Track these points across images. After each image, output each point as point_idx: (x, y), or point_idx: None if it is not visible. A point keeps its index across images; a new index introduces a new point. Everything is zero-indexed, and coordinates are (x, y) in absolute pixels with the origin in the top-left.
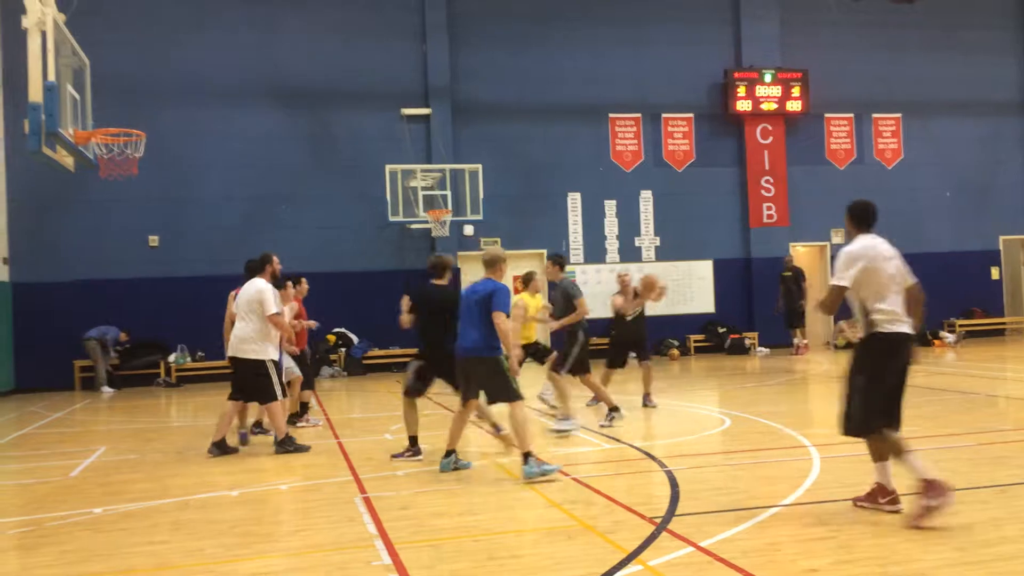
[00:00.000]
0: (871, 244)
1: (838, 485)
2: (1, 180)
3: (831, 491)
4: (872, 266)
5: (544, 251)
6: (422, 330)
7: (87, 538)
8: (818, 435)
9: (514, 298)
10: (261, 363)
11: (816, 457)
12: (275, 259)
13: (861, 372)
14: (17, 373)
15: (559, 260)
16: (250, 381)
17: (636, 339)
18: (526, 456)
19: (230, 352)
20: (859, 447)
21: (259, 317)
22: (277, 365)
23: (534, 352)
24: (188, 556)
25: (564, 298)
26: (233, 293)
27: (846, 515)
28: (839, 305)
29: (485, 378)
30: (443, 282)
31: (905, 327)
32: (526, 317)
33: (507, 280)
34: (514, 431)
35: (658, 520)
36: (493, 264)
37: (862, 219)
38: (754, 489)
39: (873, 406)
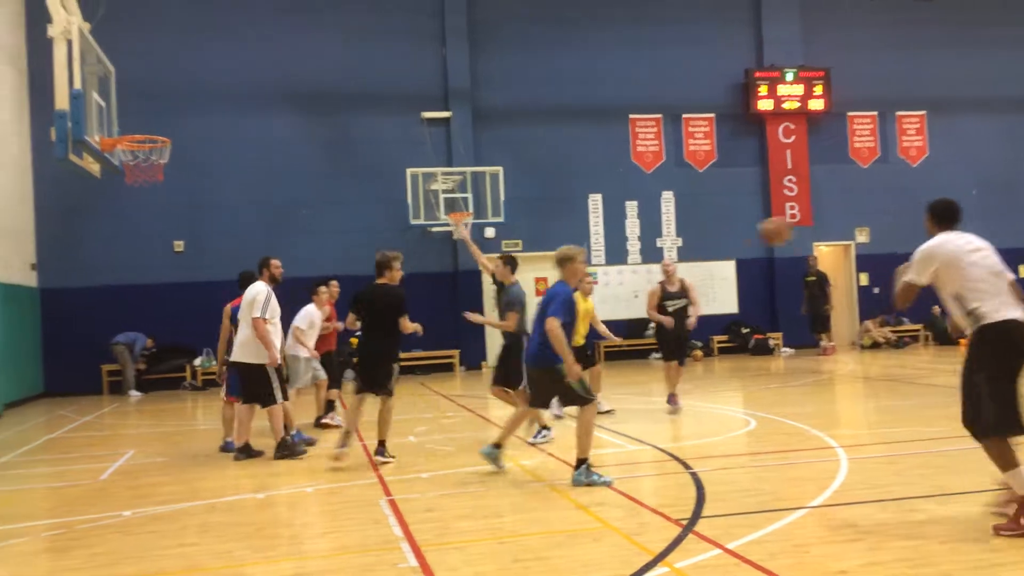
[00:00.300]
0: (947, 239)
1: (866, 486)
2: (29, 187)
3: (859, 492)
4: (951, 259)
5: None
6: (362, 330)
7: (117, 540)
8: (845, 436)
9: None
10: (260, 367)
11: (844, 458)
12: (273, 262)
13: (980, 369)
14: (46, 377)
15: (511, 262)
16: (251, 384)
17: (677, 336)
18: (580, 462)
19: (232, 357)
20: (886, 448)
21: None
22: (278, 369)
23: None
24: (217, 558)
25: (507, 305)
26: (229, 305)
27: (875, 516)
28: (911, 301)
29: (550, 387)
30: (386, 280)
31: (1014, 312)
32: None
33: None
34: (577, 434)
35: (684, 522)
36: (561, 264)
37: (943, 217)
38: (781, 490)
39: (1002, 404)
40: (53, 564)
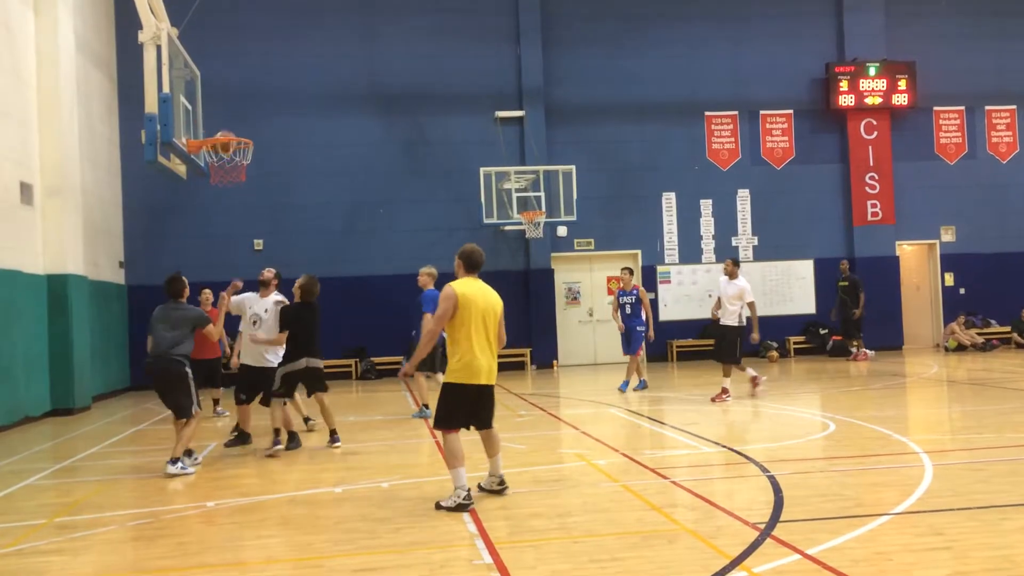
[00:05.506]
0: None
1: (952, 493)
2: (118, 188)
3: (945, 499)
4: None
5: (639, 251)
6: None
7: (201, 531)
8: (929, 441)
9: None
10: (262, 370)
11: (928, 464)
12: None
13: None
14: (132, 371)
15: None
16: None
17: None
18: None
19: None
20: (972, 455)
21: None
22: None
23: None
24: (297, 550)
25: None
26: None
27: (961, 524)
28: None
29: None
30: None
31: None
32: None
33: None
34: None
35: (762, 526)
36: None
37: None
38: (863, 496)
39: None
40: (140, 553)
